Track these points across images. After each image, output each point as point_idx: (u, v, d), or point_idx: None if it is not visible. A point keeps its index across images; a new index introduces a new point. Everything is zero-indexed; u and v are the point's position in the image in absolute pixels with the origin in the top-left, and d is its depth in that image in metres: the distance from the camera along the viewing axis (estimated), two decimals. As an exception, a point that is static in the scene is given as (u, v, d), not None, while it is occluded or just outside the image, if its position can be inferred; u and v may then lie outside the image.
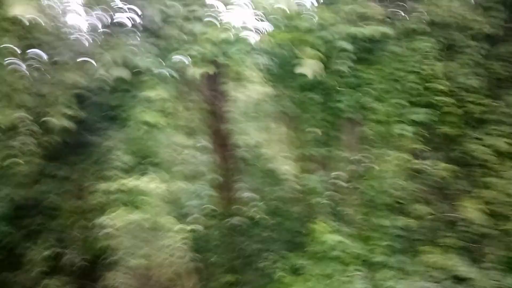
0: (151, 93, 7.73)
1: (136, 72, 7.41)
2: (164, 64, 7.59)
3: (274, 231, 11.35)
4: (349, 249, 6.67)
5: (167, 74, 7.93)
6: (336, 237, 6.86)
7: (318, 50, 6.85)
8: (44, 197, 8.05)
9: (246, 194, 12.59)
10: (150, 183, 10.79)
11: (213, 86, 9.92)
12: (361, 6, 6.89)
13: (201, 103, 10.07)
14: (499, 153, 6.11)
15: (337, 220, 8.10)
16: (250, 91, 11.49)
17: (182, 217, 11.37)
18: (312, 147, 8.47)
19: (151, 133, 8.77)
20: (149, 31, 7.52)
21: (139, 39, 7.53)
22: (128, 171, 9.56)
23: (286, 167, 11.54)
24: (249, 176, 13.61)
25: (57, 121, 7.43)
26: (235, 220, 10.92)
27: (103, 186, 9.17)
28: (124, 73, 6.43)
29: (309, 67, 6.38)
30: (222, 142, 10.61)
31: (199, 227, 10.66)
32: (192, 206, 11.23)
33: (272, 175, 12.58)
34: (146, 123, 7.57)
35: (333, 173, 9.53)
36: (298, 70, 6.45)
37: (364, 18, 6.90)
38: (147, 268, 10.97)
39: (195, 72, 6.70)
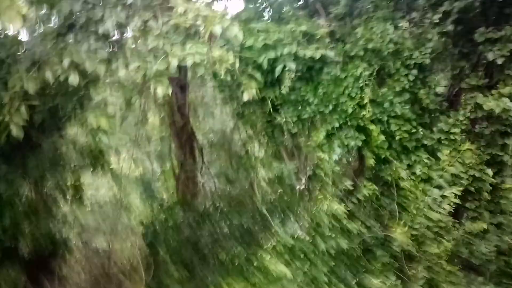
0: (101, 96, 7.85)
1: (90, 77, 7.49)
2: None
3: (233, 223, 11.69)
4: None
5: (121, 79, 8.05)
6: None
7: (261, 69, 7.06)
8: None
9: (208, 184, 12.91)
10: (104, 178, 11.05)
11: (176, 80, 10.02)
12: (307, 25, 7.02)
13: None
14: (422, 180, 6.39)
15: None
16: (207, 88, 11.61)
17: (139, 207, 11.67)
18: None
19: (103, 133, 8.96)
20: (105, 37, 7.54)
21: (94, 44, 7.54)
22: (81, 168, 9.81)
23: (258, 153, 11.85)
24: (215, 163, 13.88)
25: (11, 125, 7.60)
26: (193, 211, 11.23)
27: (56, 182, 9.46)
28: (77, 78, 6.51)
29: (250, 93, 6.58)
30: (180, 131, 10.80)
31: (155, 218, 11.00)
32: (149, 196, 11.55)
33: (240, 162, 12.86)
34: (98, 126, 7.65)
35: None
36: (245, 98, 6.64)
37: (309, 38, 7.05)
38: (106, 256, 11.37)
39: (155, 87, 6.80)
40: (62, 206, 9.86)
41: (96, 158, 9.23)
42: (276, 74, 7.03)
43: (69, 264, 10.52)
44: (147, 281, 10.18)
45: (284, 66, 6.96)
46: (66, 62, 5.52)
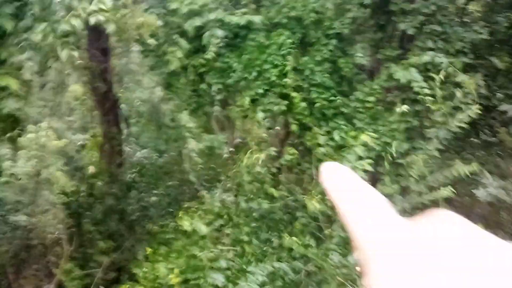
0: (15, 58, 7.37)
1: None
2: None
3: (160, 192, 11.60)
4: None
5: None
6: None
7: (186, 35, 6.96)
8: None
9: (134, 155, 12.64)
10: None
11: (96, 43, 9.58)
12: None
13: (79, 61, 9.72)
14: (339, 146, 6.69)
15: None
16: (134, 53, 11.24)
17: (61, 178, 11.23)
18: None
19: (17, 98, 8.42)
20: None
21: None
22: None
23: (188, 124, 11.70)
24: (142, 133, 13.59)
25: None
26: (118, 181, 11.00)
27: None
28: None
29: (176, 62, 6.50)
30: (103, 99, 10.42)
31: (78, 189, 10.66)
32: (71, 167, 11.13)
33: (169, 132, 12.67)
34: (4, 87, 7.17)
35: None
36: (171, 66, 6.51)
37: (234, 4, 7.02)
38: (27, 231, 10.89)
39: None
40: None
41: (4, 124, 8.66)
42: (204, 41, 6.96)
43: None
44: (71, 252, 9.92)
45: (209, 33, 6.92)
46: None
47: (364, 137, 5.89)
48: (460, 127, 5.51)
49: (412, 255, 0.36)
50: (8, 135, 9.52)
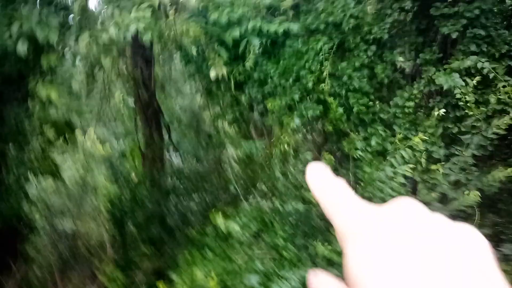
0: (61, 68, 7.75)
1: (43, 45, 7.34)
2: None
3: (199, 199, 11.76)
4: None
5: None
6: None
7: (225, 44, 7.09)
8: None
9: (175, 161, 12.90)
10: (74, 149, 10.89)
11: (139, 52, 9.92)
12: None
13: (123, 69, 10.08)
14: (377, 152, 6.58)
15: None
16: (176, 61, 11.53)
17: (105, 185, 11.61)
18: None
19: (65, 107, 8.83)
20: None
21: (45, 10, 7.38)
22: (50, 141, 9.67)
23: (227, 131, 11.89)
24: (183, 140, 13.86)
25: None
26: (160, 188, 11.24)
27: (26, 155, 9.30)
28: (25, 47, 6.32)
29: (215, 71, 6.63)
30: (146, 106, 10.73)
31: (121, 196, 10.98)
32: (115, 174, 11.49)
33: (207, 139, 12.87)
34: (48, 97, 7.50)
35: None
36: (211, 74, 6.67)
37: (273, 12, 7.11)
38: (73, 236, 11.32)
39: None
40: (28, 185, 9.74)
41: (61, 132, 9.09)
42: (240, 49, 7.07)
43: (34, 246, 10.45)
44: (115, 258, 10.22)
45: (248, 42, 7.01)
46: (14, 28, 5.36)
47: (415, 139, 5.75)
48: (499, 134, 5.31)
49: (378, 235, 0.44)
50: (57, 142, 9.97)
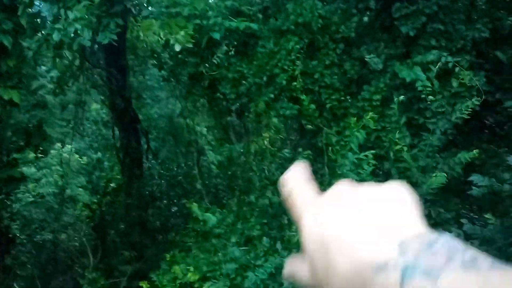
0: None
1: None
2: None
3: (179, 204, 11.85)
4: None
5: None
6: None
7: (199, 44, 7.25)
8: None
9: (154, 168, 12.97)
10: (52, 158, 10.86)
11: (113, 61, 10.00)
12: (240, 1, 7.32)
13: (97, 77, 10.12)
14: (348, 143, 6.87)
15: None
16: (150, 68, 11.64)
17: (87, 189, 11.61)
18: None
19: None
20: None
21: None
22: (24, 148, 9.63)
23: (206, 135, 12.01)
24: (161, 147, 13.94)
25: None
26: (140, 194, 11.32)
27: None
28: None
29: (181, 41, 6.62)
30: (122, 115, 10.79)
31: (101, 202, 11.00)
32: (94, 181, 11.50)
33: (186, 145, 12.98)
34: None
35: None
36: (176, 48, 6.67)
37: (236, 12, 7.33)
38: (53, 244, 11.25)
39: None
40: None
41: (31, 138, 9.01)
42: (203, 45, 7.16)
43: (13, 255, 10.36)
44: (96, 263, 10.23)
45: (217, 41, 7.17)
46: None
47: (366, 117, 6.02)
48: (464, 120, 5.68)
49: (323, 204, 0.54)
50: (32, 155, 9.92)
